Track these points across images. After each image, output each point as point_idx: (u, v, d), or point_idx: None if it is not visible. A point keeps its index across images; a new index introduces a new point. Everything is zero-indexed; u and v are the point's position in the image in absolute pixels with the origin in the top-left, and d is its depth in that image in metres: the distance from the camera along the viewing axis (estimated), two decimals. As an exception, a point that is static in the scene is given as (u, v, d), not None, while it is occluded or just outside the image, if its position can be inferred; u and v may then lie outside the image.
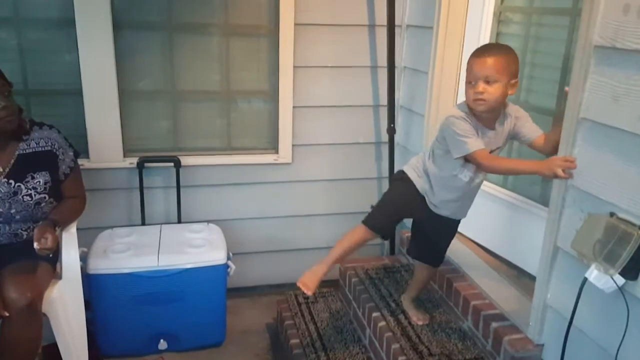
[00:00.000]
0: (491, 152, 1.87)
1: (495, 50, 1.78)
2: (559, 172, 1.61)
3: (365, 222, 2.05)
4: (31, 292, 1.89)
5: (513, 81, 1.77)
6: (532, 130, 1.89)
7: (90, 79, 2.56)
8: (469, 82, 1.79)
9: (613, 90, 1.47)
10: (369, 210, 2.12)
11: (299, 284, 2.02)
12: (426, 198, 2.01)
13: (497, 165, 1.85)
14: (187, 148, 2.84)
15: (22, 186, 2.03)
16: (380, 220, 2.05)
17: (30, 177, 2.05)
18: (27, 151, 2.07)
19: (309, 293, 2.01)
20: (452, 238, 2.18)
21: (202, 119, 2.86)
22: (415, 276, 2.32)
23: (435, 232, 2.13)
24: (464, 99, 1.85)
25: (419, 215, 2.11)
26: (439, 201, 1.99)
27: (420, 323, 2.22)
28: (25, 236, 2.08)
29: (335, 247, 2.09)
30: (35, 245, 1.88)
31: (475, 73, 1.75)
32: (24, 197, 2.03)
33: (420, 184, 2.00)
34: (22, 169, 2.04)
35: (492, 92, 1.74)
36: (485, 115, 1.83)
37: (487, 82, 1.74)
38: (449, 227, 2.11)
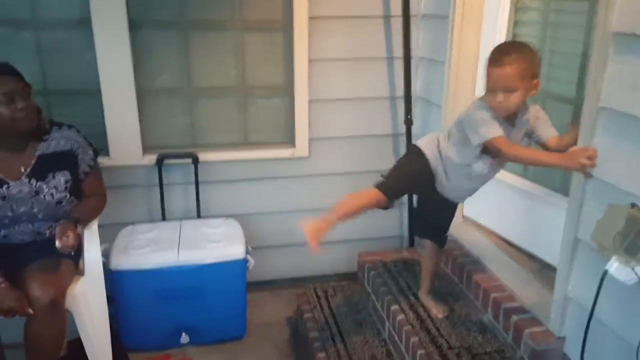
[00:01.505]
0: None
1: (513, 56, 1.70)
2: (585, 161, 1.58)
3: (379, 187, 1.97)
4: (54, 289, 1.93)
5: (535, 81, 1.74)
6: (548, 131, 1.88)
7: (108, 77, 2.59)
8: (490, 90, 1.77)
9: (633, 78, 1.43)
10: (381, 178, 2.03)
11: (306, 233, 1.89)
12: (436, 177, 1.99)
13: (518, 154, 1.79)
14: (204, 144, 2.86)
15: (44, 185, 2.07)
16: (395, 188, 2.00)
17: (51, 177, 2.09)
18: (48, 151, 2.11)
19: (315, 248, 1.89)
20: (452, 218, 2.20)
21: (219, 115, 2.87)
22: (422, 267, 2.34)
23: (436, 210, 2.14)
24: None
25: (424, 191, 2.11)
26: (451, 186, 1.98)
27: (440, 316, 2.21)
28: (47, 234, 2.12)
29: (341, 205, 1.98)
30: (57, 243, 1.93)
31: (495, 83, 1.74)
32: (46, 196, 2.07)
33: (434, 162, 1.98)
34: (43, 169, 2.08)
35: (512, 100, 1.74)
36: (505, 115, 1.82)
37: (507, 91, 1.72)
38: (448, 206, 2.13)
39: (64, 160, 2.13)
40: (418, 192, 2.20)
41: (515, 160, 1.87)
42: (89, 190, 2.22)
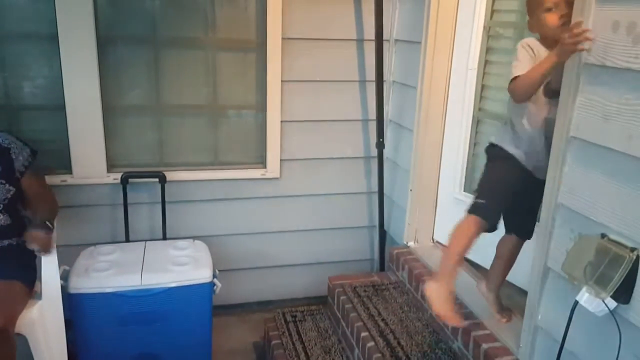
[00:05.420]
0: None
1: None
2: (569, 40, 1.49)
3: (478, 213, 1.85)
4: (3, 317, 1.83)
5: None
6: None
7: (73, 94, 2.51)
8: (548, 9, 1.71)
9: (603, 109, 1.44)
10: (475, 199, 1.89)
11: (442, 319, 1.91)
12: (527, 166, 1.88)
13: (520, 84, 1.73)
14: (173, 163, 2.79)
15: None
16: (497, 211, 1.88)
17: None
18: None
19: (459, 324, 1.92)
20: (541, 201, 1.85)
21: (189, 134, 2.81)
22: (501, 260, 2.09)
23: (529, 194, 1.90)
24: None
25: (521, 186, 1.91)
26: (530, 147, 1.86)
27: (504, 321, 2.07)
28: None
29: (448, 253, 1.89)
30: (33, 247, 1.94)
31: None
32: None
33: (519, 153, 1.88)
34: None
35: (572, 13, 1.58)
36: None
37: (568, 2, 1.64)
38: (537, 187, 1.82)
39: None
40: (516, 194, 1.93)
41: (523, 91, 1.75)
42: (31, 191, 2.17)
